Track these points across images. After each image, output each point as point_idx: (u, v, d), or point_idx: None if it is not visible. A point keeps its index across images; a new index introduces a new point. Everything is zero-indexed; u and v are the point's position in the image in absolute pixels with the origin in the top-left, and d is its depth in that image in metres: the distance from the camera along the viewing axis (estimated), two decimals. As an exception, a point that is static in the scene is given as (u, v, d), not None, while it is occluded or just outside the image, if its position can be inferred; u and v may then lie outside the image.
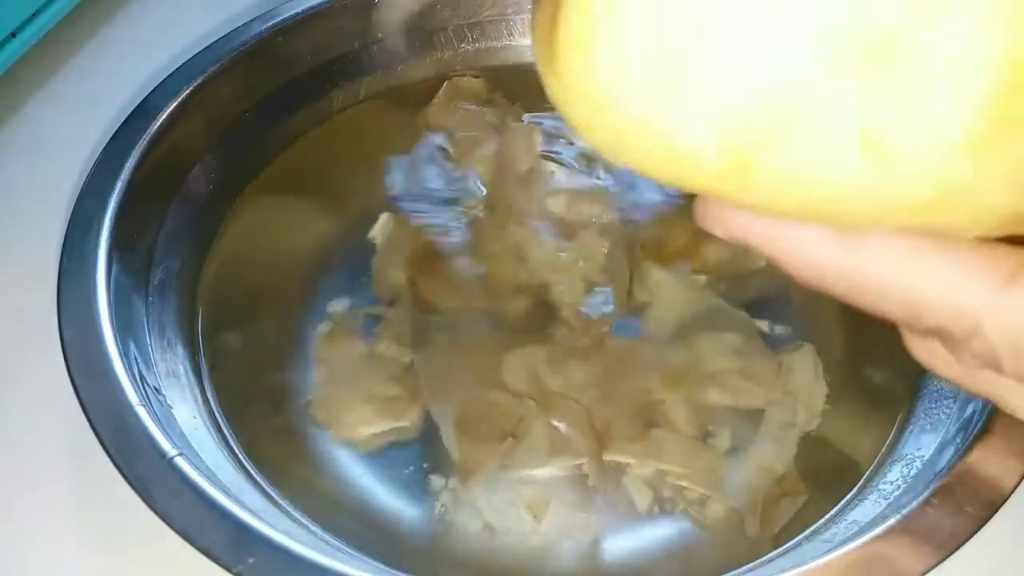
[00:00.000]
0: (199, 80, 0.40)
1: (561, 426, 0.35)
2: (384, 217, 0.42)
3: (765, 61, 0.13)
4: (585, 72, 0.15)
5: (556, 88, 0.16)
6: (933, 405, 0.34)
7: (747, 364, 0.37)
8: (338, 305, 0.40)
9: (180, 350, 0.36)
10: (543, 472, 0.35)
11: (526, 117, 0.46)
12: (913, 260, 0.16)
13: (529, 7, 0.47)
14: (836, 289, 0.17)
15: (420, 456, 0.35)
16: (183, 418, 0.33)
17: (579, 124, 0.16)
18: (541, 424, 0.35)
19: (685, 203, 0.43)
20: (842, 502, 0.33)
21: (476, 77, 0.47)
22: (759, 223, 0.17)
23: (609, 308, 0.39)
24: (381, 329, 0.39)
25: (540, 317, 0.39)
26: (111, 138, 0.37)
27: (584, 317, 0.39)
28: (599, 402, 0.36)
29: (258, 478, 0.33)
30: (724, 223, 0.17)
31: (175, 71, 0.40)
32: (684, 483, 0.34)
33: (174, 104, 0.39)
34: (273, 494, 0.33)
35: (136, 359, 0.33)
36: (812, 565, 0.27)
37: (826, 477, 0.34)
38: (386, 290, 0.40)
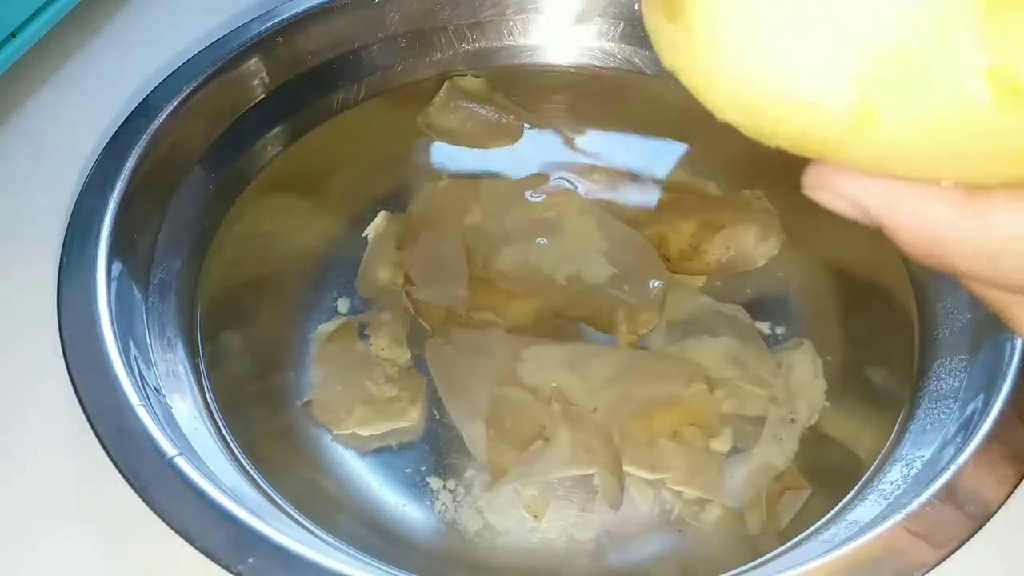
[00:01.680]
0: (199, 80, 0.40)
1: (585, 440, 0.35)
2: (381, 216, 0.42)
3: (894, 7, 0.13)
4: (710, 29, 0.15)
5: (674, 45, 0.16)
6: (933, 405, 0.34)
7: (748, 370, 0.37)
8: (338, 305, 0.40)
9: (180, 350, 0.36)
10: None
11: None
12: None
13: (528, 7, 0.47)
14: (957, 259, 0.16)
15: (420, 456, 0.35)
16: (183, 418, 0.33)
17: (696, 83, 0.16)
18: (566, 432, 0.35)
19: (685, 202, 0.43)
20: (843, 502, 0.33)
21: (476, 77, 0.47)
22: (878, 186, 0.16)
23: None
24: (376, 330, 0.39)
25: (546, 322, 0.39)
26: (111, 138, 0.37)
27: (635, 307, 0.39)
28: (613, 407, 0.36)
29: (258, 478, 0.33)
30: (839, 188, 0.16)
31: (175, 71, 0.40)
32: (682, 488, 0.34)
33: (174, 103, 0.39)
34: (273, 494, 0.33)
35: (136, 359, 0.33)
36: (812, 565, 0.27)
37: (827, 476, 0.34)
38: (368, 288, 0.40)
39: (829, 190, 0.17)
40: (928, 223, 0.16)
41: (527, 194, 0.43)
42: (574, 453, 0.34)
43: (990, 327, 0.34)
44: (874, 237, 0.18)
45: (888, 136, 0.14)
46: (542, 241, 0.41)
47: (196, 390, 0.35)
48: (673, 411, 0.36)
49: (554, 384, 0.36)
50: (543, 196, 0.43)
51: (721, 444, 0.35)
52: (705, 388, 0.36)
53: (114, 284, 0.34)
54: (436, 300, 0.39)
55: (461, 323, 0.39)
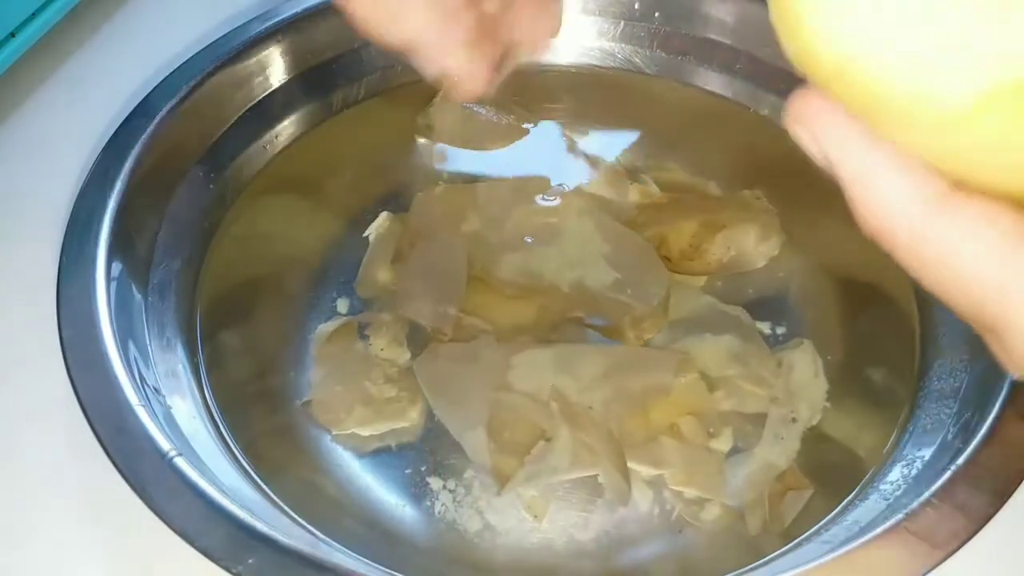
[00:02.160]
0: (199, 79, 0.40)
1: (586, 439, 0.34)
2: (383, 216, 0.42)
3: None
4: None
5: None
6: (934, 405, 0.34)
7: (749, 368, 0.37)
8: (337, 305, 0.40)
9: (179, 350, 0.36)
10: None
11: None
12: (1007, 244, 0.14)
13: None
14: (901, 251, 0.15)
15: (419, 457, 0.35)
16: (182, 418, 0.33)
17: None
18: (567, 432, 0.35)
19: (685, 202, 0.43)
20: (844, 502, 0.33)
21: (476, 76, 0.47)
22: (861, 141, 0.15)
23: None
24: (376, 330, 0.39)
25: (540, 321, 0.39)
26: (111, 137, 0.37)
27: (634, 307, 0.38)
28: (607, 404, 0.36)
29: (257, 478, 0.33)
30: (820, 133, 0.15)
31: (175, 70, 0.40)
32: (683, 488, 0.34)
33: (174, 103, 0.39)
34: (272, 494, 0.33)
35: (136, 359, 0.33)
36: (813, 565, 0.27)
37: (828, 476, 0.34)
38: (368, 289, 0.40)
39: (809, 130, 0.15)
40: (889, 205, 0.15)
41: (536, 198, 0.43)
42: (576, 453, 0.34)
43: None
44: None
45: (968, 139, 0.14)
46: (529, 240, 0.41)
47: (195, 390, 0.35)
48: (667, 402, 0.36)
49: (551, 385, 0.36)
50: (544, 200, 0.43)
51: (721, 444, 0.35)
52: (697, 377, 0.36)
53: (113, 284, 0.34)
54: (421, 318, 0.39)
55: (446, 337, 0.38)
